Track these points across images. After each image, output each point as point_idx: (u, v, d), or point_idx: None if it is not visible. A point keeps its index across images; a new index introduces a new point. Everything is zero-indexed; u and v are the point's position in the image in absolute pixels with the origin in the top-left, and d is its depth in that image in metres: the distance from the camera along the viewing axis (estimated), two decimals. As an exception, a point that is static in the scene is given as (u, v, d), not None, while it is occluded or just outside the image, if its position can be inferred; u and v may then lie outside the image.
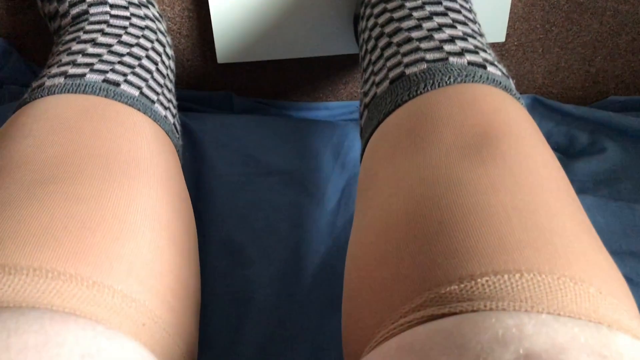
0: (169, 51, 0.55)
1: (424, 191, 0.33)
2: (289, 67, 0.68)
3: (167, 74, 0.52)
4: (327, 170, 0.62)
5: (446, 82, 0.39)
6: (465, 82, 0.40)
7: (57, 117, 0.40)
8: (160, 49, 0.52)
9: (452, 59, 0.41)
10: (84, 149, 0.37)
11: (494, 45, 0.69)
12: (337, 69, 0.70)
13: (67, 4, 0.52)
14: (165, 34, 0.55)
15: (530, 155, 0.35)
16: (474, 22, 0.49)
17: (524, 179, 0.33)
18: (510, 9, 0.67)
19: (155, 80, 0.49)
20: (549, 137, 0.73)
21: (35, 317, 0.26)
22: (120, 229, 0.33)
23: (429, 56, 0.42)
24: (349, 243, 0.39)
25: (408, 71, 0.42)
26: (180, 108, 0.67)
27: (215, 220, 0.56)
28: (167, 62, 0.53)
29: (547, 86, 0.73)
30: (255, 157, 0.61)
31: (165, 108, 0.48)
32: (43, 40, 0.64)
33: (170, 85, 0.52)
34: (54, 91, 0.42)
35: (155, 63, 0.50)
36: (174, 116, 0.49)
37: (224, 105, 0.69)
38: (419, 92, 0.40)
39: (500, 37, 0.67)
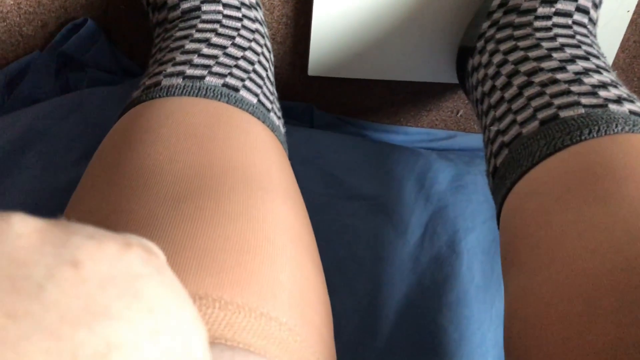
0: (272, 58, 0.52)
1: (620, 248, 0.30)
2: (375, 87, 0.66)
3: (274, 81, 0.50)
4: (410, 200, 0.60)
5: (613, 131, 0.37)
6: (633, 131, 0.38)
7: (184, 122, 0.37)
8: (268, 55, 0.50)
9: (611, 106, 0.39)
10: (219, 161, 0.35)
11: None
12: (423, 95, 0.67)
13: None
14: (269, 39, 0.53)
15: None
16: (612, 69, 0.47)
17: None
18: (613, 59, 0.65)
19: (267, 87, 0.46)
20: None
21: (217, 353, 0.23)
22: (273, 252, 0.31)
23: (585, 101, 0.40)
24: (508, 304, 0.36)
25: (563, 114, 0.40)
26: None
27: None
28: (272, 68, 0.51)
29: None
30: (338, 177, 0.59)
31: (279, 118, 0.46)
32: (132, 27, 0.61)
33: (276, 94, 0.50)
34: (174, 92, 0.40)
35: (266, 69, 0.48)
36: (283, 126, 0.47)
37: (304, 117, 0.66)
38: (583, 137, 0.38)
39: (598, 86, 0.65)
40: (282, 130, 0.46)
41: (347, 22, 0.59)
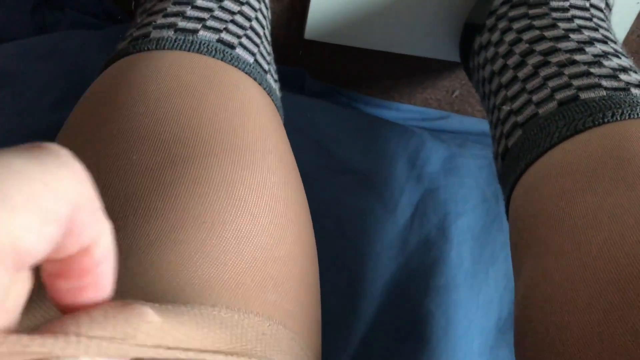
0: (269, 15, 0.49)
1: None
2: (371, 58, 0.63)
3: (271, 41, 0.47)
4: (402, 179, 0.57)
5: (637, 114, 0.36)
6: None
7: (174, 79, 0.34)
8: (265, 11, 0.47)
9: (634, 90, 0.38)
10: (208, 124, 0.32)
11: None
12: (419, 71, 0.65)
13: None
14: None
15: None
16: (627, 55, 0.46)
17: None
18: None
19: (264, 47, 0.43)
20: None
21: None
22: (253, 231, 0.28)
23: (606, 83, 0.39)
24: (525, 287, 0.34)
25: (583, 95, 0.38)
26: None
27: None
28: (269, 27, 0.48)
29: None
30: (329, 149, 0.56)
31: (275, 81, 0.43)
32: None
33: (273, 55, 0.46)
34: (164, 45, 0.36)
35: (263, 27, 0.45)
36: (279, 90, 0.44)
37: (296, 82, 0.63)
38: (605, 120, 0.36)
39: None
40: (279, 94, 0.43)
41: (351, -15, 0.56)
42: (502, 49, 0.47)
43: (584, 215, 0.32)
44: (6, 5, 0.55)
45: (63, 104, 0.50)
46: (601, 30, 0.45)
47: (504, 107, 0.44)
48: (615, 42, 0.45)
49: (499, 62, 0.47)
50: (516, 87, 0.43)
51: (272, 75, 0.42)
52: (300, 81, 0.63)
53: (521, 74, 0.44)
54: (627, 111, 0.36)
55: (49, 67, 0.51)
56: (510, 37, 0.47)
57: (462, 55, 0.57)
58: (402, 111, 0.67)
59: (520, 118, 0.41)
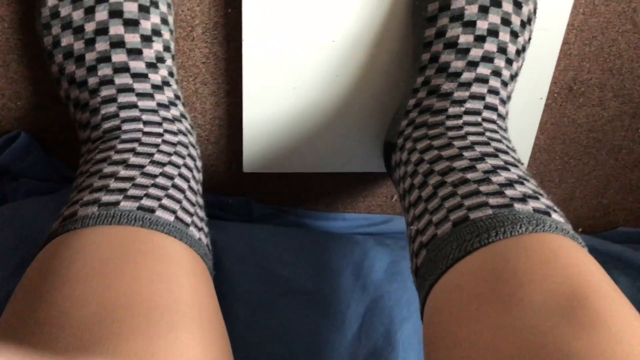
0: (199, 164, 0.54)
1: (521, 357, 0.32)
2: (310, 178, 0.68)
3: (198, 189, 0.51)
4: (347, 291, 0.61)
5: (518, 232, 0.39)
6: (536, 231, 0.39)
7: (93, 258, 0.38)
8: (191, 164, 0.51)
9: (517, 206, 0.41)
10: (124, 298, 0.35)
11: (513, 173, 0.70)
12: (358, 183, 0.69)
13: (100, 116, 0.50)
14: (196, 146, 0.54)
15: (627, 317, 0.34)
16: (521, 162, 0.50)
17: (630, 348, 0.32)
18: (535, 141, 0.68)
19: (188, 199, 0.47)
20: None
21: None
22: None
23: (492, 201, 0.42)
24: None
25: (472, 215, 0.41)
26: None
27: (234, 346, 0.54)
28: (197, 176, 0.52)
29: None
30: (274, 273, 0.60)
31: (199, 229, 0.46)
32: (67, 137, 0.63)
33: (201, 202, 0.50)
34: (88, 223, 0.40)
35: (187, 180, 0.49)
36: (206, 236, 0.48)
37: (243, 210, 0.68)
38: (490, 240, 0.39)
39: (522, 167, 0.68)
40: (205, 241, 0.46)
41: (277, 121, 0.61)
42: (409, 168, 0.52)
43: (468, 341, 0.35)
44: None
45: (22, 271, 0.54)
46: (493, 144, 0.49)
47: (412, 226, 0.47)
48: (507, 152, 0.49)
49: (408, 182, 0.51)
50: (420, 207, 0.47)
51: (195, 225, 0.46)
52: (246, 209, 0.68)
53: (424, 193, 0.48)
54: (509, 229, 0.39)
55: (7, 236, 0.56)
56: (414, 157, 0.52)
57: (387, 170, 0.62)
58: (349, 220, 0.71)
59: (424, 238, 0.45)
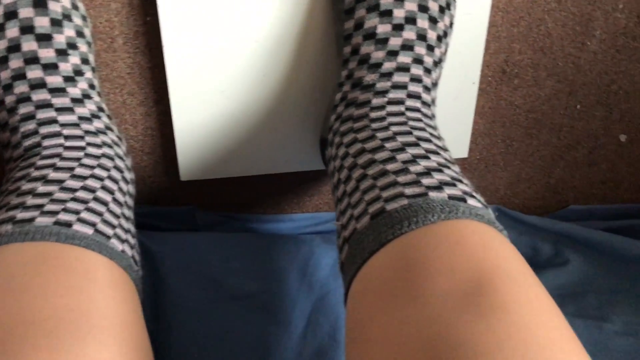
0: (129, 175, 0.53)
1: (423, 349, 0.31)
2: (253, 181, 0.68)
3: (125, 201, 0.50)
4: (293, 292, 0.60)
5: (430, 220, 0.38)
6: (448, 218, 0.39)
7: (4, 275, 0.37)
8: (117, 175, 0.50)
9: (431, 194, 0.41)
10: (28, 313, 0.34)
11: (457, 160, 0.70)
12: (302, 182, 0.69)
13: (19, 135, 0.50)
14: (124, 157, 0.53)
15: (530, 301, 0.34)
16: (445, 149, 0.49)
17: (529, 333, 0.31)
18: (473, 126, 0.68)
19: (111, 211, 0.46)
20: (513, 248, 0.74)
21: None
22: None
23: (408, 191, 0.41)
24: None
25: (389, 207, 0.41)
26: (142, 226, 0.65)
27: (176, 356, 0.53)
28: (125, 187, 0.51)
29: (509, 197, 0.74)
30: (217, 280, 0.59)
31: (123, 241, 0.46)
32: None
33: (128, 213, 0.50)
34: (1, 242, 0.40)
35: (112, 192, 0.48)
36: (132, 247, 0.47)
37: (187, 220, 0.67)
38: (402, 230, 0.38)
39: (463, 153, 0.68)
40: (130, 252, 0.46)
41: (209, 126, 0.61)
42: (337, 163, 0.51)
43: (379, 337, 0.34)
44: None
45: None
46: (415, 132, 0.49)
47: (338, 221, 0.47)
48: (429, 140, 0.48)
49: (336, 177, 0.51)
50: (345, 202, 0.47)
51: (118, 237, 0.45)
52: (190, 218, 0.67)
53: (348, 188, 0.47)
54: (421, 218, 0.38)
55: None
56: (341, 151, 0.51)
57: (325, 166, 0.62)
58: (296, 220, 0.71)
59: (347, 233, 0.44)
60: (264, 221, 0.70)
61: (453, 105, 0.64)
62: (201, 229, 0.67)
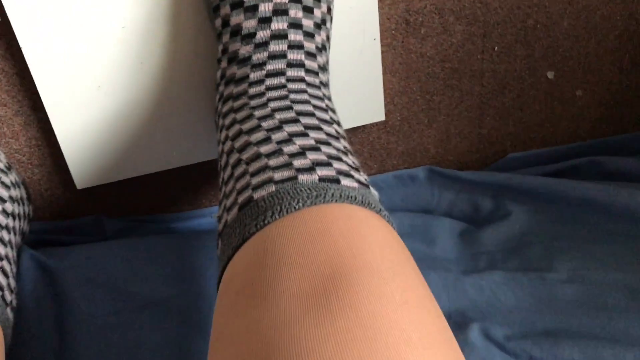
0: (18, 209, 0.49)
1: (266, 356, 0.27)
2: (160, 180, 0.63)
3: (10, 240, 0.47)
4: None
5: (295, 207, 0.34)
6: (315, 204, 0.34)
7: None
8: (8, 221, 0.47)
9: (301, 177, 0.36)
10: None
11: (377, 125, 0.66)
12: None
13: None
14: (10, 188, 0.49)
15: (387, 295, 0.29)
16: (330, 122, 0.45)
17: (378, 332, 0.27)
18: (386, 86, 0.63)
19: None
20: (452, 208, 0.69)
21: None
22: None
23: (277, 176, 0.37)
24: None
25: (256, 195, 0.36)
26: (47, 242, 0.61)
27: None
28: (15, 224, 0.47)
29: (441, 155, 0.70)
30: (125, 290, 0.55)
31: (5, 274, 0.42)
32: None
33: (4, 252, 0.46)
34: None
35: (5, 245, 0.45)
36: (2, 289, 0.44)
37: (94, 230, 0.62)
38: (266, 221, 0.34)
39: (380, 116, 0.64)
40: (8, 298, 0.42)
41: (94, 126, 0.56)
42: (219, 148, 0.47)
43: (230, 341, 0.30)
44: None
45: None
46: (296, 107, 0.44)
47: (214, 215, 0.43)
48: (312, 114, 0.43)
49: (218, 164, 0.47)
50: (222, 192, 0.42)
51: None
52: (97, 227, 0.62)
53: (225, 175, 0.43)
54: (286, 206, 0.34)
55: None
56: (222, 135, 0.47)
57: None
58: (216, 213, 0.66)
59: (220, 227, 0.40)
60: (183, 219, 0.66)
61: (358, 67, 0.60)
62: (110, 237, 0.63)
